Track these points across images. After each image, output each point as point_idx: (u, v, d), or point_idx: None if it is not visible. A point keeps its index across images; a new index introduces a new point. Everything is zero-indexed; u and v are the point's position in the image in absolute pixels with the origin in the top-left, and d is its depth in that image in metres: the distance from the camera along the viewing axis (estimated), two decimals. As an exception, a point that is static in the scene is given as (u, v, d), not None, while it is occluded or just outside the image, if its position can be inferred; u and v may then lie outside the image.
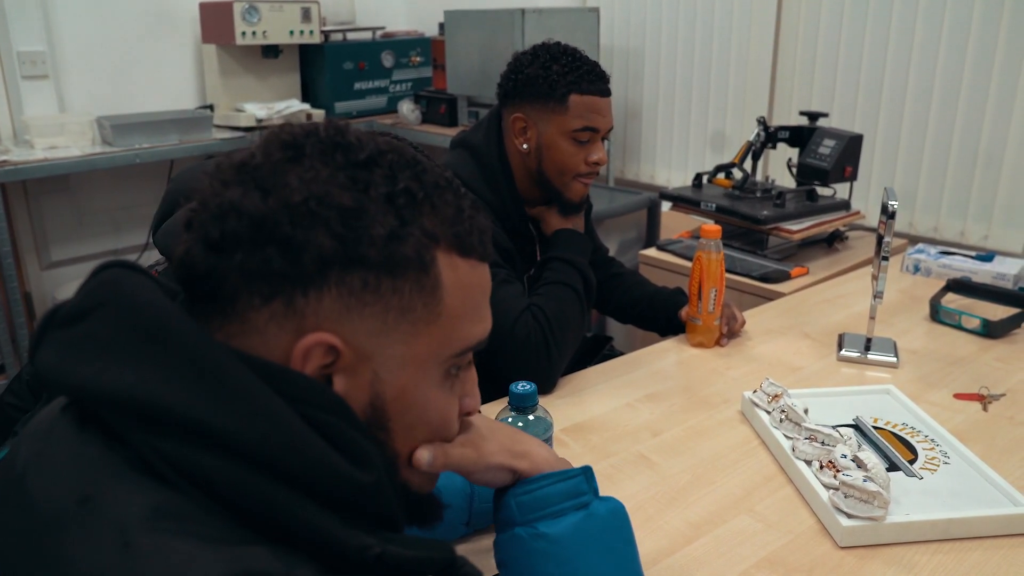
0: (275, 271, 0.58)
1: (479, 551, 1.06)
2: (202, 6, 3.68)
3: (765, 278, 2.21)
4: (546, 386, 1.50)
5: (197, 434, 0.54)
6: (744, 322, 1.76)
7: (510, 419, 1.00)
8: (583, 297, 1.58)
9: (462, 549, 1.06)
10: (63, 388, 0.58)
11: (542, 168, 1.60)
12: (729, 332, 1.72)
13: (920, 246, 2.23)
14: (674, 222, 2.99)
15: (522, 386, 1.01)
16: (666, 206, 2.68)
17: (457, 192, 0.66)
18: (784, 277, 2.21)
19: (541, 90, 1.55)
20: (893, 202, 1.51)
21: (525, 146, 1.60)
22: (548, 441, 1.01)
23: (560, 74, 1.54)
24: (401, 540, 0.59)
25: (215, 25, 3.62)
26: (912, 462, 1.24)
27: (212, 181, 0.61)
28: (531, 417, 1.00)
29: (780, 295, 2.10)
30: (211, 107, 3.78)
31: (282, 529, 0.55)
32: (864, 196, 2.87)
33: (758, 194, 2.44)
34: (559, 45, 1.59)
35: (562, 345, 1.50)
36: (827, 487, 1.14)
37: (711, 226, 1.65)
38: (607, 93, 1.58)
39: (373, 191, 0.60)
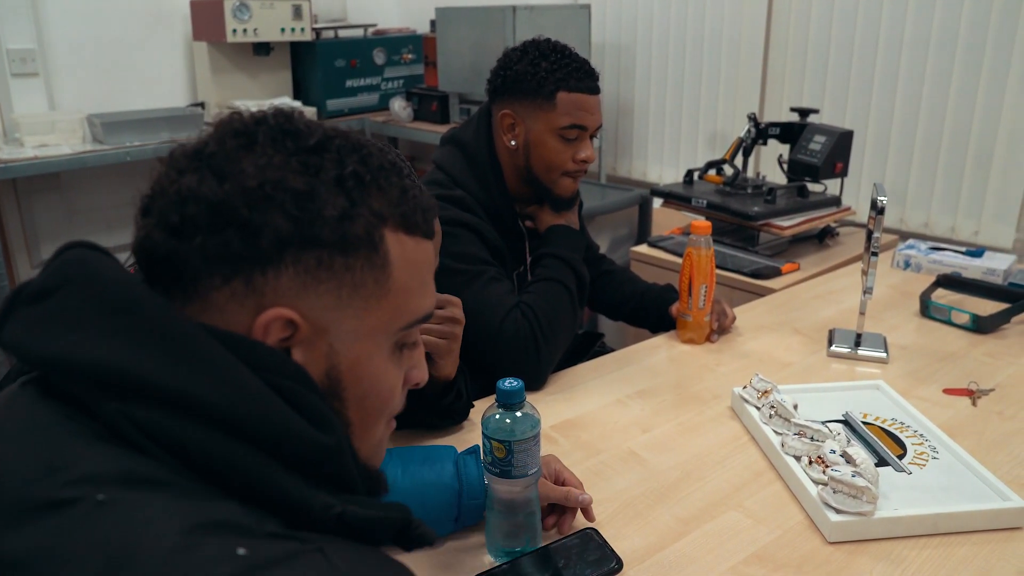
0: (234, 252, 0.61)
1: (468, 548, 1.06)
2: (193, 4, 3.67)
3: (756, 274, 2.21)
4: (535, 383, 1.50)
5: (169, 401, 0.56)
6: (734, 318, 1.76)
7: (497, 416, 1.00)
8: (575, 294, 1.58)
9: (452, 545, 1.07)
10: (33, 361, 0.60)
11: (530, 165, 1.59)
12: (719, 328, 1.72)
13: (910, 242, 2.24)
14: (665, 219, 3.00)
15: (509, 383, 1.00)
16: (657, 203, 2.69)
17: (401, 174, 0.69)
18: (775, 273, 2.21)
19: (529, 87, 1.55)
20: (883, 198, 1.52)
21: (513, 143, 1.59)
22: (535, 438, 1.00)
23: (548, 71, 1.53)
24: (361, 501, 0.62)
25: (206, 22, 3.61)
26: (901, 457, 1.24)
27: (167, 169, 0.64)
28: (518, 414, 1.00)
29: (771, 291, 2.11)
30: (202, 105, 3.77)
31: (249, 490, 0.57)
32: (855, 192, 2.87)
33: (749, 190, 2.44)
34: (549, 42, 1.59)
35: (552, 342, 1.50)
36: (816, 483, 1.15)
37: (702, 222, 1.65)
38: (596, 91, 1.58)
39: (323, 175, 0.64)
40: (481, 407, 1.35)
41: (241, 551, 0.52)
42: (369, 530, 0.61)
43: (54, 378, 0.60)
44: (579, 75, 1.54)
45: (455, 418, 1.35)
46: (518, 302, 1.51)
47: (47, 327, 0.59)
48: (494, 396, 1.01)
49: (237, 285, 0.62)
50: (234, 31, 3.51)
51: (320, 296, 0.64)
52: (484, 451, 1.02)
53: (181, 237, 0.61)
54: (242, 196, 0.61)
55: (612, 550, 1.03)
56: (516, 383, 1.00)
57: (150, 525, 0.51)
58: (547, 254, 1.60)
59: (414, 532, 0.64)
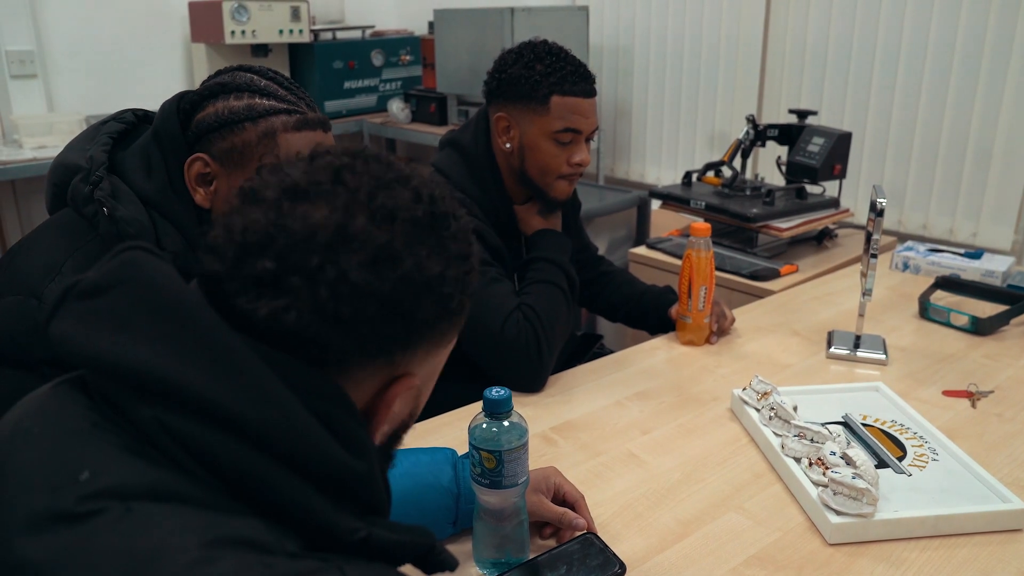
0: (391, 338, 0.64)
1: (468, 552, 1.06)
2: (191, 5, 3.67)
3: (755, 276, 2.21)
4: (535, 385, 1.49)
5: (206, 413, 0.56)
6: (734, 320, 1.76)
7: (485, 425, 0.98)
8: (568, 295, 1.58)
9: (450, 549, 1.06)
10: (78, 358, 0.59)
11: (525, 168, 1.59)
12: (719, 330, 1.72)
13: (909, 243, 2.24)
14: (664, 220, 3.00)
15: (496, 391, 0.98)
16: (656, 204, 2.69)
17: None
18: (774, 275, 2.21)
19: (523, 90, 1.54)
20: (881, 200, 1.52)
21: (508, 145, 1.59)
22: (523, 448, 0.99)
23: (543, 74, 1.53)
24: (385, 525, 0.62)
25: (204, 24, 3.61)
26: (901, 459, 1.24)
27: (300, 241, 0.61)
28: (505, 423, 0.98)
29: (770, 293, 2.11)
30: (200, 106, 3.76)
31: (276, 507, 0.57)
32: (853, 194, 2.88)
33: (747, 192, 2.44)
34: (545, 44, 1.58)
35: (552, 343, 1.50)
36: (816, 484, 1.15)
37: (701, 224, 1.65)
38: (591, 94, 1.57)
39: (458, 258, 0.67)
40: (471, 413, 1.34)
41: (260, 568, 0.52)
42: (392, 553, 0.62)
43: (93, 378, 0.60)
44: (573, 78, 1.54)
45: None
46: (519, 304, 1.51)
47: (95, 324, 0.59)
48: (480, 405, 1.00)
49: (380, 362, 0.65)
50: (232, 33, 3.51)
51: (433, 360, 0.70)
52: (472, 462, 0.99)
53: (344, 327, 0.61)
54: (409, 289, 0.63)
55: (614, 554, 1.02)
56: (504, 392, 0.98)
57: (170, 537, 0.52)
58: (538, 258, 1.60)
59: (436, 557, 0.65)
